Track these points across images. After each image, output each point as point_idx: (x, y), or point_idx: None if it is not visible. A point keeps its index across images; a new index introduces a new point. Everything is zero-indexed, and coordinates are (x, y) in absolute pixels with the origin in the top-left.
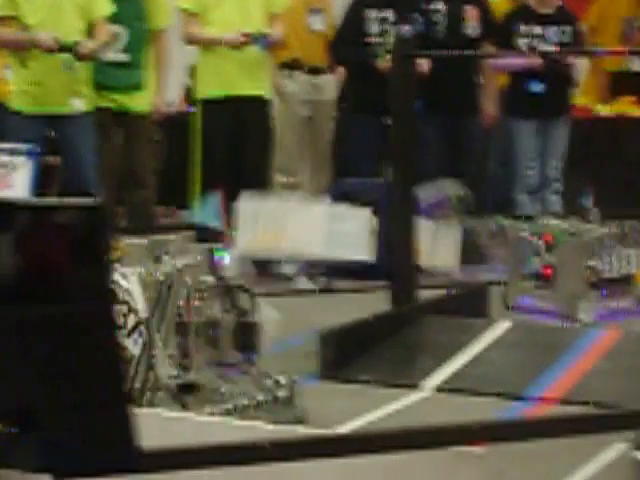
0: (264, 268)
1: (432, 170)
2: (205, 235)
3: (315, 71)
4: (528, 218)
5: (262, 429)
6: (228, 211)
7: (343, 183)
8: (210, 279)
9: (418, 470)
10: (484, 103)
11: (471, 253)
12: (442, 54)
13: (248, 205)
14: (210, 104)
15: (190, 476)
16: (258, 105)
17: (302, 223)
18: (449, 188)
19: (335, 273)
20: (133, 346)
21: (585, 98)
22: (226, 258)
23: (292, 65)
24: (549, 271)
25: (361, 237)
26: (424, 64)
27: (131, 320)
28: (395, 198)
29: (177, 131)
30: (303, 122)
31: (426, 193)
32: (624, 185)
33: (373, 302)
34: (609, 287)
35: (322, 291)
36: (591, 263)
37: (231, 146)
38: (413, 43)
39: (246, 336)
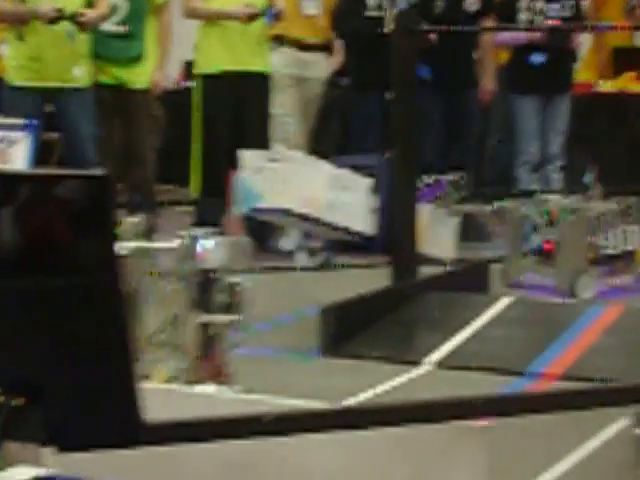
0: (264, 243)
1: (431, 144)
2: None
3: (302, 47)
4: (528, 194)
5: (267, 403)
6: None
7: (343, 158)
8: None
9: (420, 444)
10: (482, 79)
11: (472, 230)
12: (443, 29)
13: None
14: (211, 79)
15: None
16: (259, 80)
17: (305, 184)
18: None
19: (334, 248)
20: None
21: (587, 74)
22: (210, 245)
23: (277, 40)
24: (550, 246)
25: (361, 208)
26: (432, 35)
27: None
28: (397, 173)
29: (178, 106)
30: (291, 95)
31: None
32: (627, 162)
33: (373, 278)
34: (610, 264)
35: (322, 267)
36: (592, 239)
37: (232, 122)
38: (415, 17)
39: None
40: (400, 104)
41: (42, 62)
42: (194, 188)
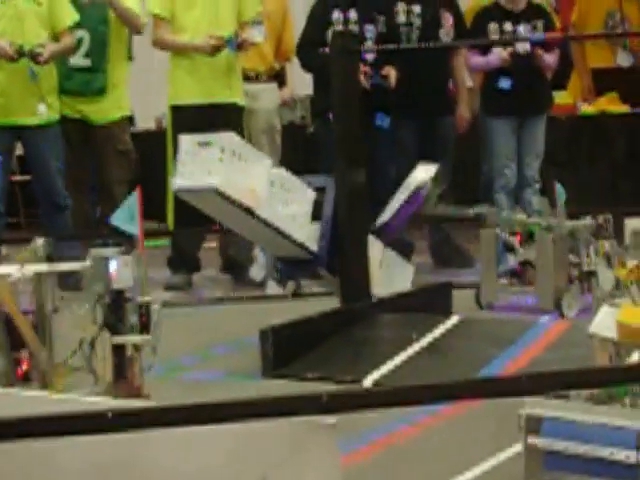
0: (239, 275)
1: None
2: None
3: (248, 78)
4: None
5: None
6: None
7: None
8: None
9: (270, 440)
10: (458, 106)
11: (452, 255)
12: (384, 49)
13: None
14: (180, 110)
15: None
16: (229, 112)
17: (241, 171)
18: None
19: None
20: None
21: (568, 96)
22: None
23: None
24: (525, 268)
25: (303, 217)
26: (391, 75)
27: None
28: (340, 197)
29: (156, 139)
30: None
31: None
32: (608, 184)
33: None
34: (587, 281)
35: (293, 295)
36: (571, 257)
37: None
38: (352, 37)
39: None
40: (340, 125)
41: (8, 98)
42: (170, 221)
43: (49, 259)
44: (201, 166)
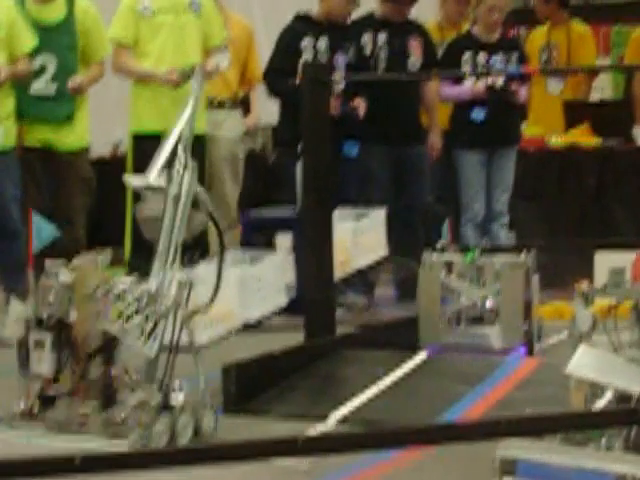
0: None
1: (379, 204)
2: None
3: (210, 105)
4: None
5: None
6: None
7: (255, 212)
8: None
9: None
10: (430, 135)
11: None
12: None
13: None
14: (140, 139)
15: None
16: (194, 141)
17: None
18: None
19: None
20: None
21: (536, 128)
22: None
23: None
24: (484, 306)
25: (276, 282)
26: (360, 107)
27: None
28: (306, 229)
29: (111, 167)
30: None
31: None
32: (577, 217)
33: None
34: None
35: (249, 327)
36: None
37: None
38: (322, 68)
39: None
40: (310, 155)
41: None
42: (127, 250)
43: None
44: None
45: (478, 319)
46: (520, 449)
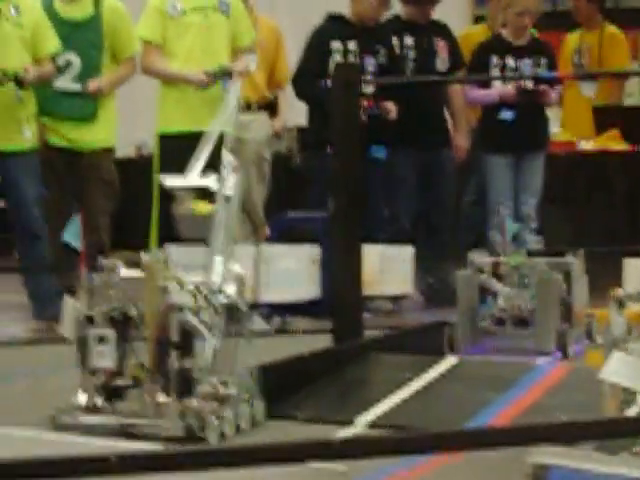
0: None
1: (405, 208)
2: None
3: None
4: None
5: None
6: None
7: (285, 217)
8: None
9: None
10: (455, 137)
11: (444, 294)
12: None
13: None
14: (168, 139)
15: None
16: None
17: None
18: None
19: (288, 312)
20: None
21: (566, 133)
22: None
23: None
24: (514, 310)
25: (301, 275)
26: (391, 108)
27: None
28: (336, 231)
29: (136, 167)
30: None
31: None
32: (606, 223)
33: (329, 342)
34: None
35: (277, 331)
36: (564, 297)
37: None
38: (353, 70)
39: None
40: (339, 158)
41: None
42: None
43: None
44: None
45: (518, 322)
46: (553, 456)
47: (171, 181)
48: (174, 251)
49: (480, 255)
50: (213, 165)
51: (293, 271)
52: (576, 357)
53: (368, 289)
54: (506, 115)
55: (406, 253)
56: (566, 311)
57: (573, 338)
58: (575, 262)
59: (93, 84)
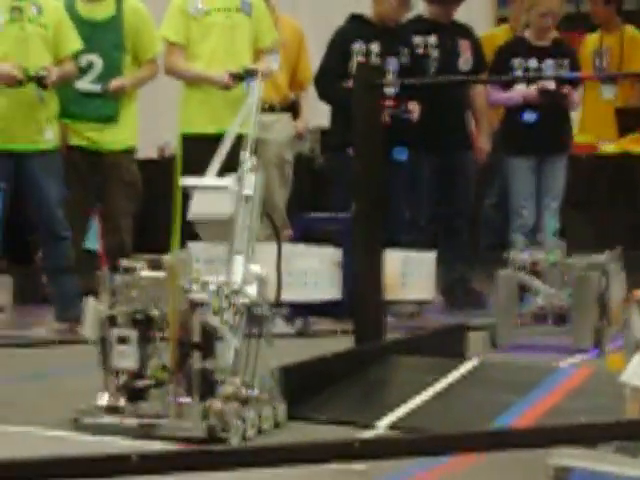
0: None
1: (426, 210)
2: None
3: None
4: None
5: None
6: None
7: (307, 218)
8: None
9: None
10: (477, 138)
11: (464, 297)
12: (407, 82)
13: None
14: (190, 140)
15: None
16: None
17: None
18: None
19: (308, 313)
20: None
21: (588, 135)
22: None
23: None
24: (553, 308)
25: (323, 275)
26: (414, 110)
27: None
28: (358, 232)
29: (158, 168)
30: None
31: None
32: (628, 226)
33: (350, 343)
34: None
35: (300, 333)
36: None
37: None
38: (377, 71)
39: None
40: (361, 160)
41: (8, 124)
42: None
43: None
44: None
45: (556, 319)
46: (574, 457)
47: (189, 181)
48: (194, 246)
49: (519, 253)
50: (234, 166)
51: (314, 271)
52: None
53: (390, 294)
54: (529, 117)
55: (429, 258)
56: (603, 308)
57: (610, 336)
58: (612, 259)
59: (115, 83)
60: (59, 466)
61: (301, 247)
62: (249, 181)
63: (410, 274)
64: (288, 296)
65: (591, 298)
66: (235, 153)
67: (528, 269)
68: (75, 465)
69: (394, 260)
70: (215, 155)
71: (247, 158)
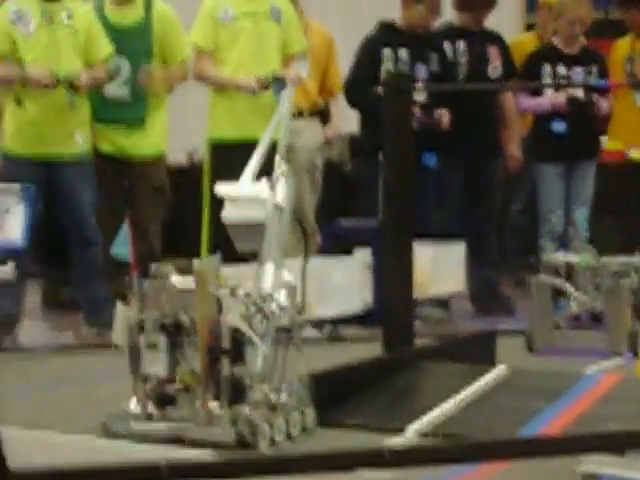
0: None
1: (454, 217)
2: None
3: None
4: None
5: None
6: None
7: (337, 225)
8: None
9: None
10: (507, 146)
11: (492, 302)
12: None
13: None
14: (219, 147)
15: None
16: (272, 150)
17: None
18: None
19: (339, 320)
20: None
21: (617, 142)
22: None
23: None
24: (587, 312)
25: (351, 288)
26: (444, 116)
27: None
28: (387, 240)
29: (193, 174)
30: None
31: None
32: None
33: (379, 350)
34: None
35: (330, 339)
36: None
37: None
38: (405, 77)
39: None
40: (391, 166)
41: (39, 130)
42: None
43: None
44: None
45: (591, 323)
46: (602, 465)
47: (223, 189)
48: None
49: (552, 257)
50: (267, 173)
51: (343, 286)
52: None
53: (420, 291)
54: (558, 127)
55: (458, 250)
56: (637, 311)
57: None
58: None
59: (144, 72)
60: (88, 477)
61: (329, 261)
62: (281, 188)
63: (439, 269)
64: (320, 311)
65: (624, 303)
66: (266, 159)
67: (562, 273)
68: (104, 475)
69: (423, 257)
70: (250, 161)
71: (279, 164)
